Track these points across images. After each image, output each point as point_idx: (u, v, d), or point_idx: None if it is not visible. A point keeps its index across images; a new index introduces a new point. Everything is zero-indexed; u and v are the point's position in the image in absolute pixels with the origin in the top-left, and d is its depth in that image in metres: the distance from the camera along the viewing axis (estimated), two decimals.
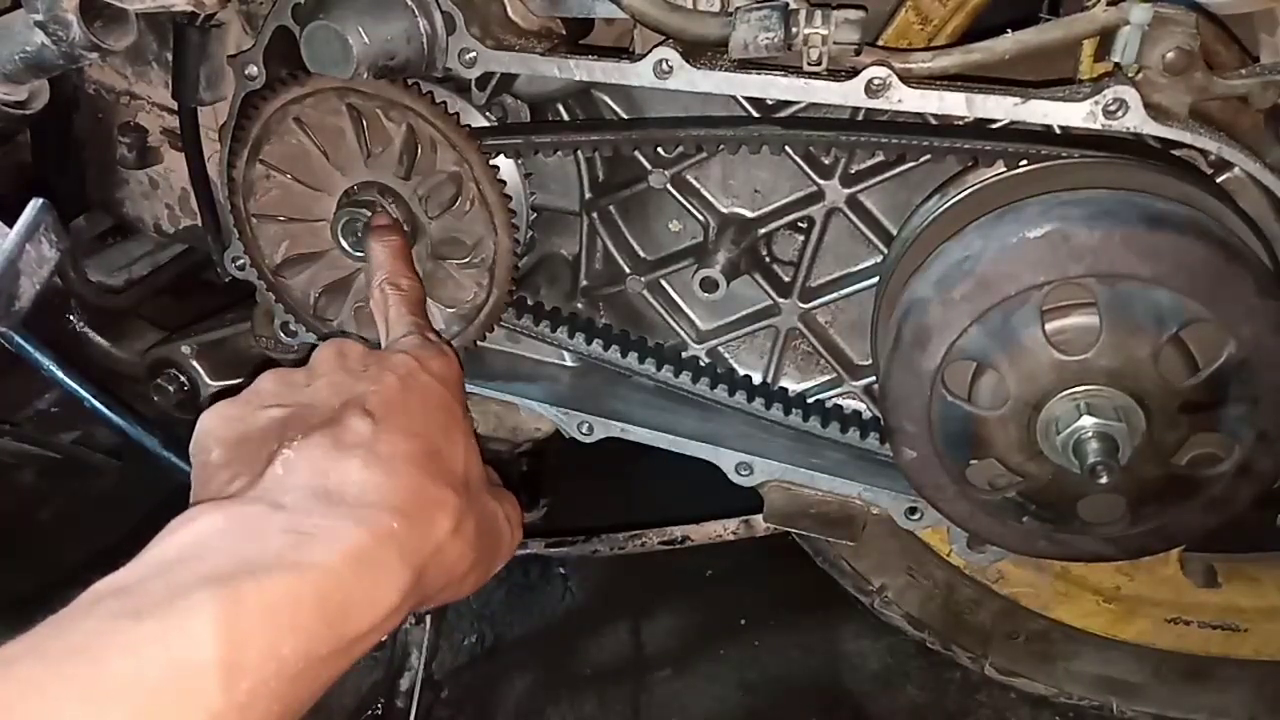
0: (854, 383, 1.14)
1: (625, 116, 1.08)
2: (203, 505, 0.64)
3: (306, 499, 0.66)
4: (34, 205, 0.95)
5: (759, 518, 1.28)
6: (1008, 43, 0.88)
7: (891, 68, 0.86)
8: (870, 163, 1.03)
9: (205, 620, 0.54)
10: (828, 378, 1.16)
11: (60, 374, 1.03)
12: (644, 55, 0.91)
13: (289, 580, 0.59)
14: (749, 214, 1.10)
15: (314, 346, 0.85)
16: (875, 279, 1.05)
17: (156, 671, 0.52)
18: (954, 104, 0.86)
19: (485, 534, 0.78)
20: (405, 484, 0.70)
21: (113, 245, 1.41)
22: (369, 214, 1.00)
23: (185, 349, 1.33)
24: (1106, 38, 0.87)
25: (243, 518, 0.63)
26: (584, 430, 1.14)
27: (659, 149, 1.08)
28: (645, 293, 1.16)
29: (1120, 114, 0.83)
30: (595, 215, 1.14)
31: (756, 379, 1.16)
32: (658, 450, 1.13)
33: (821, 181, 1.04)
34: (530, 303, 1.13)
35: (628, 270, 1.16)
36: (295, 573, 0.60)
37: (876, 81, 0.86)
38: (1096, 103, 0.83)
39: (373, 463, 0.69)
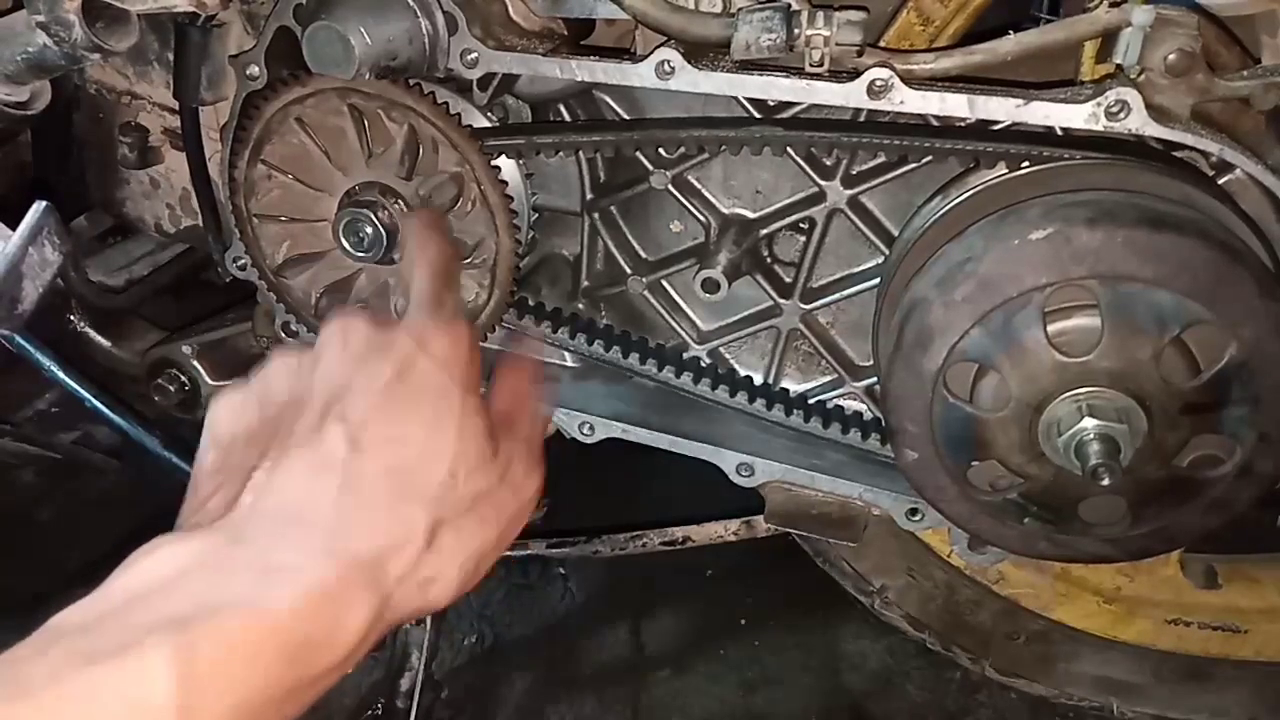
0: (855, 384, 1.14)
1: (627, 117, 1.08)
2: (165, 537, 0.64)
3: (270, 531, 0.65)
4: (37, 208, 0.95)
5: (760, 518, 1.28)
6: (1010, 44, 0.88)
7: (894, 69, 0.86)
8: (872, 164, 1.03)
9: (160, 665, 0.54)
10: (829, 378, 1.16)
11: (62, 375, 1.03)
12: (646, 56, 0.91)
13: (247, 623, 0.59)
14: (750, 215, 1.10)
15: None
16: (877, 280, 1.05)
17: (109, 709, 0.53)
18: (956, 105, 0.87)
19: (473, 531, 0.75)
20: (374, 511, 0.68)
21: (113, 245, 1.40)
22: (370, 214, 1.00)
23: (186, 349, 1.33)
24: (1108, 39, 0.87)
25: (203, 553, 0.62)
26: (585, 430, 1.14)
27: (660, 149, 1.08)
28: (646, 293, 1.16)
29: (1122, 115, 0.83)
30: (596, 216, 1.14)
31: (758, 380, 1.16)
32: (659, 450, 1.13)
33: (823, 182, 1.04)
34: (531, 303, 1.13)
35: (629, 271, 1.16)
36: (254, 615, 0.59)
37: (879, 83, 0.86)
38: (1098, 104, 0.83)
39: (343, 488, 0.68)
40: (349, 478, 0.68)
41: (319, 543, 0.65)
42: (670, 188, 1.09)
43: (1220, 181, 0.91)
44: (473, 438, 0.77)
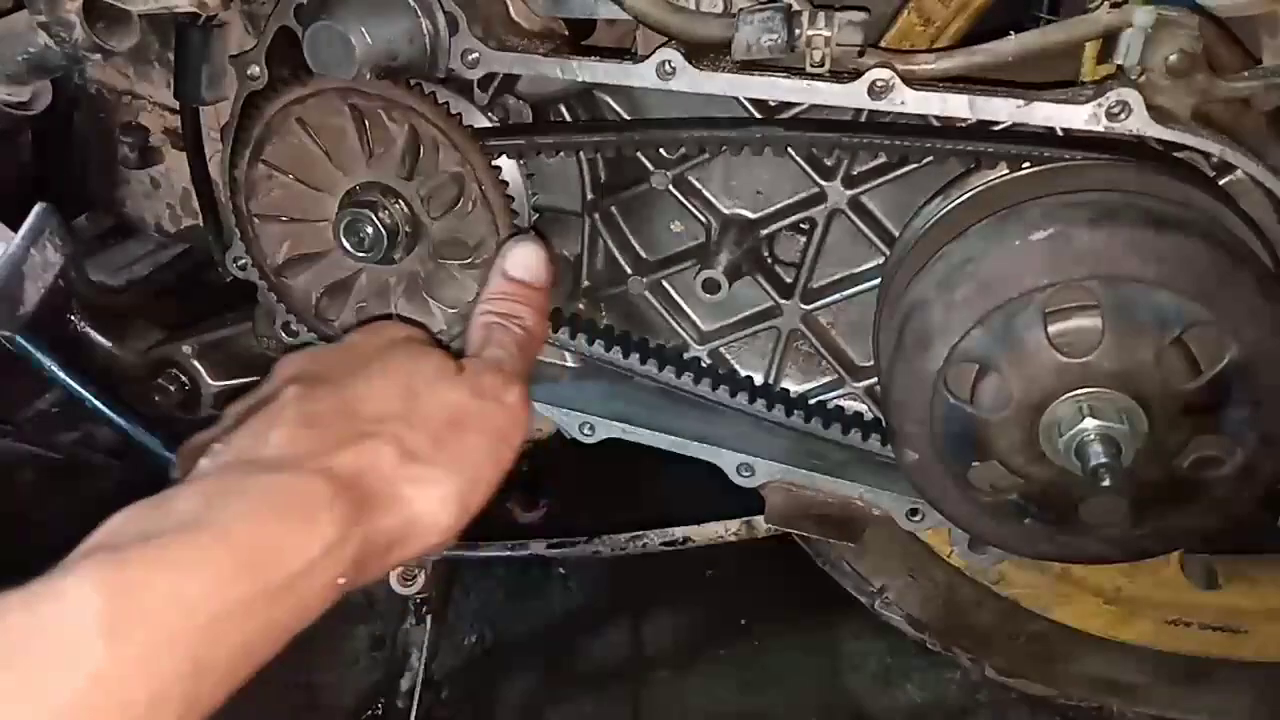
0: (855, 384, 1.14)
1: (627, 117, 1.08)
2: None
3: (219, 473, 0.67)
4: (38, 210, 0.96)
5: (760, 518, 1.28)
6: (1011, 45, 0.88)
7: (895, 69, 0.86)
8: (872, 164, 1.03)
9: (86, 586, 0.55)
10: (829, 379, 1.16)
11: (63, 376, 1.03)
12: (647, 56, 0.91)
13: (187, 537, 0.59)
14: (751, 215, 1.10)
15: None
16: (877, 280, 1.05)
17: (21, 630, 0.53)
18: (957, 106, 0.87)
19: (456, 437, 0.76)
20: (328, 429, 0.71)
21: (113, 245, 1.40)
22: (371, 214, 1.00)
23: (186, 349, 1.33)
24: (1109, 40, 0.87)
25: (150, 503, 0.64)
26: (585, 431, 1.14)
27: (661, 150, 1.08)
28: (647, 293, 1.16)
29: (1123, 116, 0.83)
30: (597, 216, 1.14)
31: (758, 380, 1.16)
32: (659, 450, 1.13)
33: (824, 183, 1.04)
34: None
35: (629, 271, 1.16)
36: (194, 530, 0.60)
37: (880, 83, 0.86)
38: (1099, 105, 0.83)
39: (296, 422, 0.71)
40: (301, 414, 0.72)
41: (268, 462, 0.67)
42: (671, 188, 1.09)
43: (1221, 182, 0.91)
44: (425, 358, 0.81)
